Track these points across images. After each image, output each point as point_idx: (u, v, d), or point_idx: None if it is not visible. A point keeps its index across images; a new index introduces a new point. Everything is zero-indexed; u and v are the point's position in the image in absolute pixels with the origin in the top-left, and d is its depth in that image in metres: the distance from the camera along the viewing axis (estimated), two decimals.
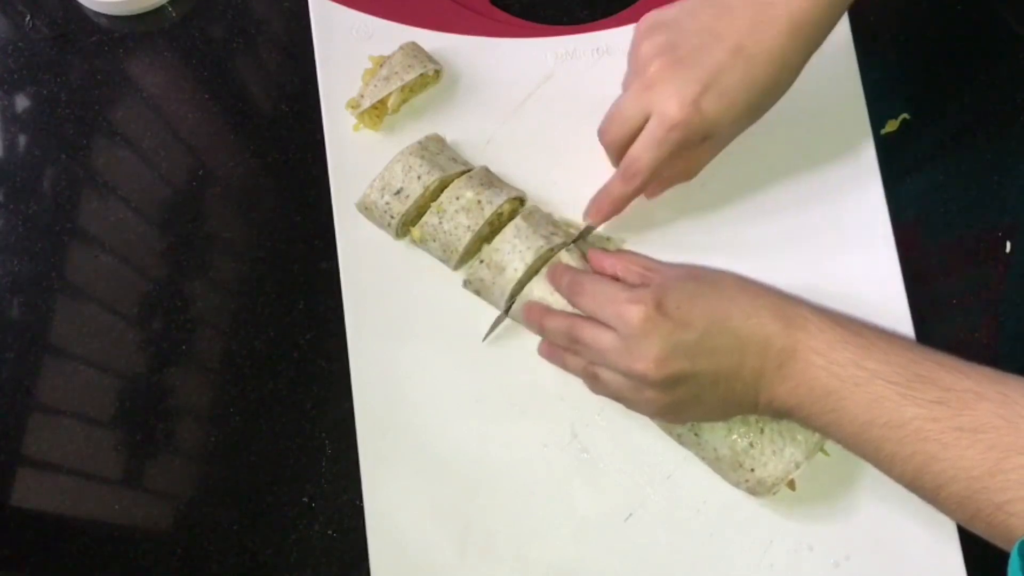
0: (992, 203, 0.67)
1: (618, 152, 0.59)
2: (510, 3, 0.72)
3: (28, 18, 0.75)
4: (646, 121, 0.56)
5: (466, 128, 0.68)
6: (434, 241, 0.63)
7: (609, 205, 0.60)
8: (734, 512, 0.60)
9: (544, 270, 0.61)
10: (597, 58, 0.70)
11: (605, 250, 0.63)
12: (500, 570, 0.61)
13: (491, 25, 0.71)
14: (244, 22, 0.74)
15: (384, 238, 0.66)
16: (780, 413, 0.54)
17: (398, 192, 0.63)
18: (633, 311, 0.53)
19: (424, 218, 0.63)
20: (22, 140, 0.73)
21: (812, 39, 0.55)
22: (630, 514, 0.62)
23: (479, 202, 0.62)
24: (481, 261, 0.62)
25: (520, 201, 0.65)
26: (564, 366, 0.60)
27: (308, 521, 0.64)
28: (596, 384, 0.58)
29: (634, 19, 0.70)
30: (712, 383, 0.53)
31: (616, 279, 0.59)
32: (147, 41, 0.74)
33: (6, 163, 0.73)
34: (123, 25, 0.75)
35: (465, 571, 0.61)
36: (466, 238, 0.62)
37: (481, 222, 0.62)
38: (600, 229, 0.65)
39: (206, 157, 0.72)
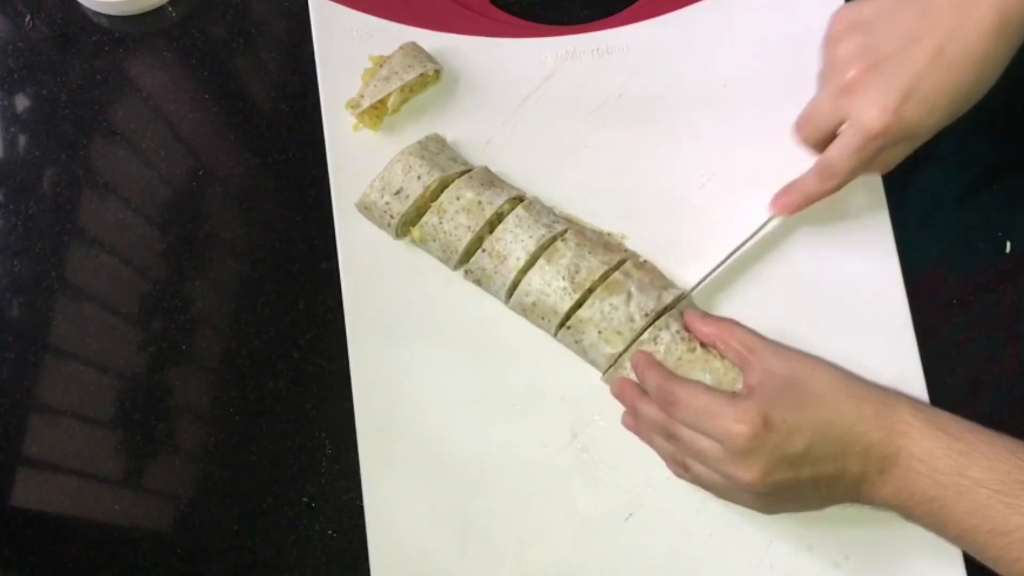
0: (993, 202, 0.67)
1: (814, 148, 0.59)
2: (510, 3, 0.72)
3: (28, 18, 0.75)
4: (841, 123, 0.56)
5: (466, 128, 0.68)
6: (434, 241, 0.63)
7: (802, 200, 0.59)
8: (734, 512, 0.60)
9: (544, 259, 0.61)
10: (597, 58, 0.69)
11: (703, 313, 0.61)
12: (500, 570, 0.61)
13: (491, 25, 0.71)
14: (244, 22, 0.74)
15: (384, 238, 0.66)
16: (881, 509, 0.55)
17: (398, 192, 0.63)
18: (739, 429, 0.52)
19: (424, 218, 0.63)
20: (22, 140, 0.73)
21: (1016, 37, 0.52)
22: (630, 514, 0.62)
23: (479, 202, 0.62)
24: (483, 250, 0.62)
25: (520, 201, 0.65)
26: (650, 444, 0.60)
27: (308, 521, 0.64)
28: (684, 472, 0.58)
29: (634, 19, 0.70)
30: (814, 486, 0.54)
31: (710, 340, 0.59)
32: (147, 41, 0.74)
33: (6, 163, 0.73)
34: (123, 25, 0.75)
35: (465, 571, 0.61)
36: (466, 238, 0.62)
37: (481, 222, 0.62)
38: (601, 226, 0.65)
39: (206, 157, 0.72)
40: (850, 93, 0.55)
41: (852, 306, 0.63)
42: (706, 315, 0.61)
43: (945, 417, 0.53)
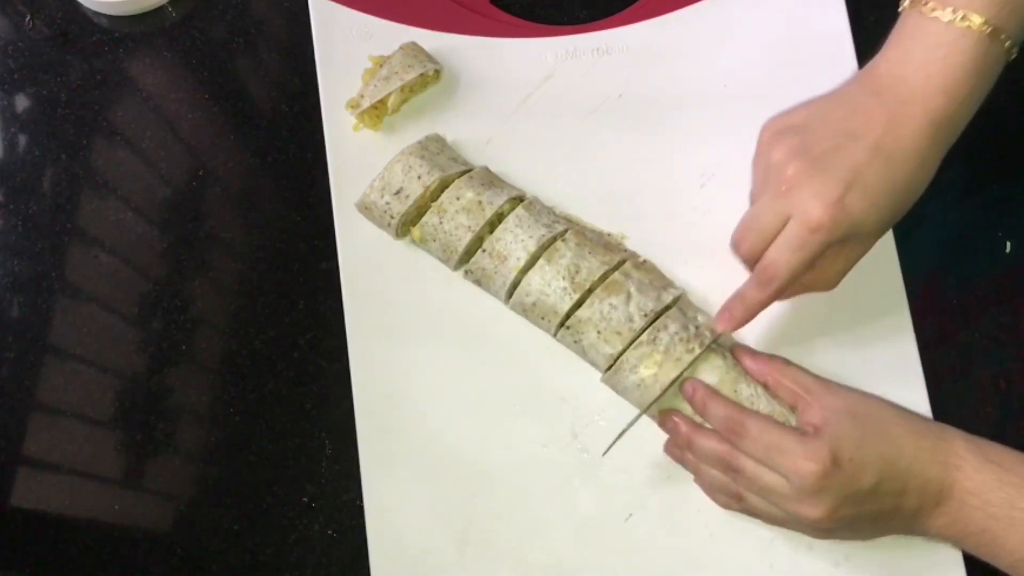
0: (993, 202, 0.67)
1: (756, 263, 0.56)
2: (510, 3, 0.72)
3: (28, 18, 0.75)
4: (784, 227, 0.54)
5: (466, 128, 0.68)
6: (434, 241, 0.63)
7: (743, 312, 0.57)
8: (734, 512, 0.60)
9: (544, 259, 0.61)
10: (597, 58, 0.70)
11: (749, 348, 0.60)
12: (500, 570, 0.61)
13: (491, 25, 0.71)
14: (244, 22, 0.74)
15: (384, 238, 0.66)
16: (933, 540, 0.55)
17: (398, 192, 0.63)
18: (810, 468, 0.52)
19: (424, 218, 0.63)
20: (22, 140, 0.73)
21: (949, 136, 0.53)
22: (630, 514, 0.62)
23: (480, 202, 0.62)
24: (483, 250, 0.62)
25: (520, 201, 0.65)
26: (697, 473, 0.59)
27: (308, 521, 0.64)
28: (735, 503, 0.57)
29: (634, 19, 0.70)
30: (872, 521, 0.54)
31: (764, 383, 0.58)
32: (147, 41, 0.74)
33: (6, 163, 0.73)
34: (123, 25, 0.75)
35: (465, 571, 0.61)
36: (466, 238, 0.62)
37: (482, 222, 0.62)
38: (601, 226, 0.65)
39: (206, 157, 0.72)
40: (791, 190, 0.53)
41: (851, 308, 0.63)
42: (753, 351, 0.60)
43: (997, 449, 0.54)
